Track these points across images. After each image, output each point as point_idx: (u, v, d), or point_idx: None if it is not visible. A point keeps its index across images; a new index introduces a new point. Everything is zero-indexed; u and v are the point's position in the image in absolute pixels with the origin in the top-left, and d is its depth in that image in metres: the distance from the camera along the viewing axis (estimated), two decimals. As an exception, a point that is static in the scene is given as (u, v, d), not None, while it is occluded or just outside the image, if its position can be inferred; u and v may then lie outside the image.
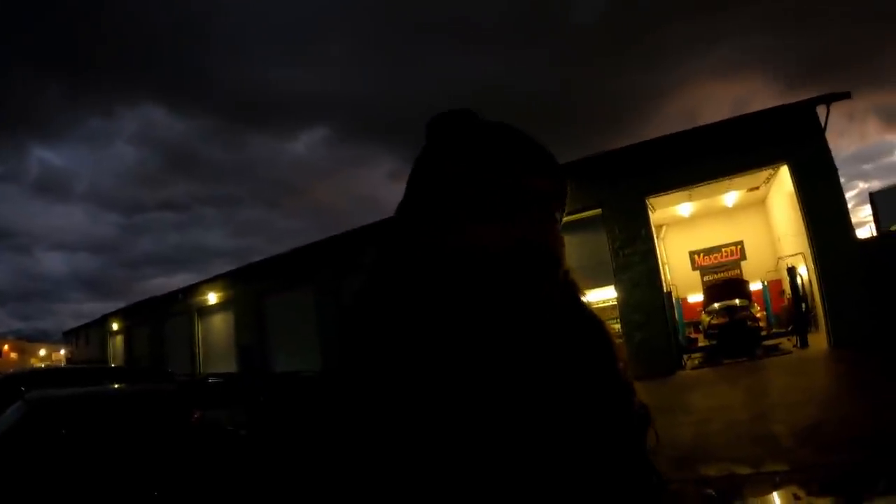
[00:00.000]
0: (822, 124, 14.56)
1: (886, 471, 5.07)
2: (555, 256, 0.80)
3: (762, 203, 21.43)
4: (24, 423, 4.59)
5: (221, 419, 5.84)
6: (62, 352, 66.94)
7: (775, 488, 5.73)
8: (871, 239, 17.10)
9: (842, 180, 15.18)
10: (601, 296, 21.70)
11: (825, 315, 14.67)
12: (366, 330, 0.81)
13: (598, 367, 0.82)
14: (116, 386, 7.08)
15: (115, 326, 40.34)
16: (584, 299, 0.90)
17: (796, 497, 5.47)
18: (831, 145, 14.73)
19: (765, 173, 17.43)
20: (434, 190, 0.81)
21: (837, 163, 14.77)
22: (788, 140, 14.82)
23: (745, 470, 6.23)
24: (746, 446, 7.08)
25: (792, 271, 16.42)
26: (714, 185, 17.72)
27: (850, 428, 7.07)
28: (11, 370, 15.61)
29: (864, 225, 29.90)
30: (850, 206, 15.83)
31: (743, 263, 22.57)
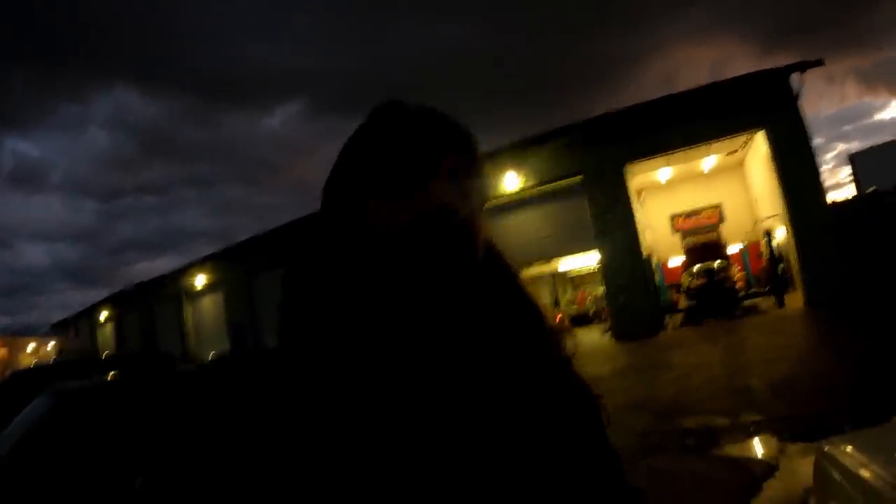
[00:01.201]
0: (796, 91, 14.88)
1: (851, 416, 5.46)
2: (464, 228, 0.78)
3: (740, 166, 21.71)
4: (51, 414, 4.54)
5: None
6: (51, 345, 65.58)
7: (750, 436, 6.15)
8: (843, 202, 17.51)
9: (822, 142, 15.56)
10: (586, 261, 22.09)
11: (801, 276, 15.20)
12: (293, 309, 0.86)
13: (518, 340, 0.84)
14: (137, 374, 6.93)
15: (103, 315, 39.86)
16: (510, 271, 0.92)
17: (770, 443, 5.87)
18: (810, 108, 15.07)
19: (742, 138, 17.73)
20: (344, 170, 0.85)
21: (818, 125, 15.13)
22: (763, 106, 15.14)
23: (722, 421, 6.62)
24: (724, 399, 7.50)
25: (768, 234, 16.83)
26: (692, 151, 17.97)
27: (820, 380, 7.51)
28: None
29: (844, 186, 30.41)
30: (830, 167, 16.20)
31: (722, 226, 22.89)
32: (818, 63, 14.80)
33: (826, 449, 2.66)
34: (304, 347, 0.81)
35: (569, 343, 0.92)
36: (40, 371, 10.60)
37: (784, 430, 6.01)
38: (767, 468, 5.32)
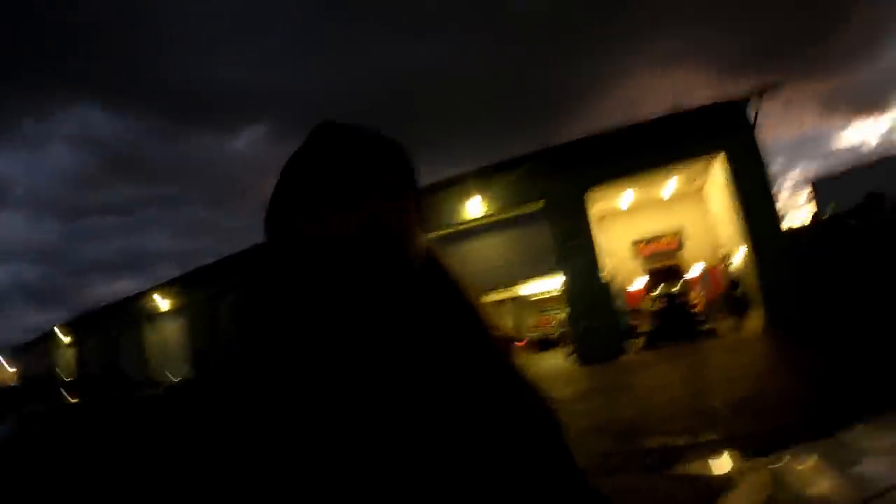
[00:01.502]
0: (753, 118, 15.29)
1: (806, 432, 5.55)
2: (401, 238, 0.81)
3: (699, 193, 22.06)
4: (17, 435, 4.50)
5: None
6: (13, 369, 63.99)
7: (710, 454, 6.20)
8: (800, 228, 17.96)
9: (781, 166, 15.92)
10: (548, 286, 22.22)
11: (759, 299, 15.47)
12: (249, 320, 0.88)
13: (452, 347, 0.85)
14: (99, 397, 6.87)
15: (66, 339, 38.87)
16: (452, 283, 0.94)
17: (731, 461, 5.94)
18: (770, 133, 15.48)
19: (700, 165, 18.08)
20: (281, 191, 0.87)
21: (777, 149, 15.52)
22: (720, 134, 15.58)
23: (682, 440, 6.69)
24: (684, 419, 7.58)
25: (726, 258, 17.14)
26: (652, 178, 18.36)
27: (777, 399, 7.65)
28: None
29: (803, 209, 31.16)
30: (789, 191, 16.56)
31: (683, 251, 23.19)
32: (775, 87, 15.21)
33: (782, 462, 2.70)
34: (248, 355, 0.85)
35: (515, 355, 0.93)
36: (3, 393, 10.58)
37: (743, 447, 6.07)
38: (727, 483, 5.36)
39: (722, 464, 5.94)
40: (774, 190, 15.47)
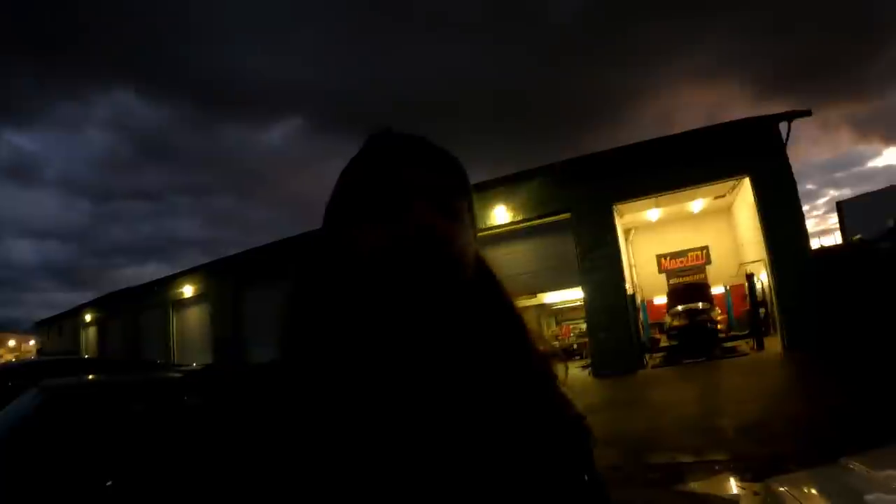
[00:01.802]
0: (785, 138, 15.15)
1: (815, 456, 5.56)
2: (443, 248, 0.80)
3: (728, 210, 21.94)
4: (40, 411, 4.55)
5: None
6: (32, 342, 65.17)
7: (714, 474, 6.24)
8: (828, 249, 17.78)
9: (814, 188, 15.75)
10: (569, 296, 22.17)
11: (780, 320, 15.36)
12: (288, 323, 0.89)
13: (497, 357, 0.85)
14: (123, 375, 6.87)
15: (88, 318, 39.32)
16: (501, 294, 0.95)
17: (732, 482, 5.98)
18: (804, 154, 15.34)
19: (730, 183, 17.97)
20: (337, 194, 0.89)
21: (810, 171, 15.38)
22: (751, 153, 15.38)
23: (687, 458, 6.75)
24: (693, 437, 7.62)
25: (751, 277, 17.01)
26: (680, 194, 18.25)
27: (788, 423, 7.64)
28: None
29: (833, 232, 30.85)
30: (820, 213, 16.39)
31: (708, 268, 23.05)
32: (807, 113, 15.06)
33: (772, 487, 2.76)
34: (292, 359, 0.84)
35: (558, 368, 0.93)
36: (26, 367, 10.83)
37: (747, 469, 6.12)
38: (728, 504, 5.41)
39: (725, 485, 5.99)
40: (805, 209, 15.30)
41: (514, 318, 0.93)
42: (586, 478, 0.87)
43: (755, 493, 5.42)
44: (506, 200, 18.61)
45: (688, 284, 20.60)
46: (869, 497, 2.29)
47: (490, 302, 0.91)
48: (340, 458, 0.72)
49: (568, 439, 0.87)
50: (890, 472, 2.45)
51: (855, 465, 2.66)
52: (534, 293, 21.08)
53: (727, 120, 16.68)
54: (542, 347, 0.93)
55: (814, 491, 2.70)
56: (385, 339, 0.80)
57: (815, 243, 19.57)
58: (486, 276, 0.94)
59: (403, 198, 0.81)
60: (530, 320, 0.95)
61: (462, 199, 0.88)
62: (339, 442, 0.73)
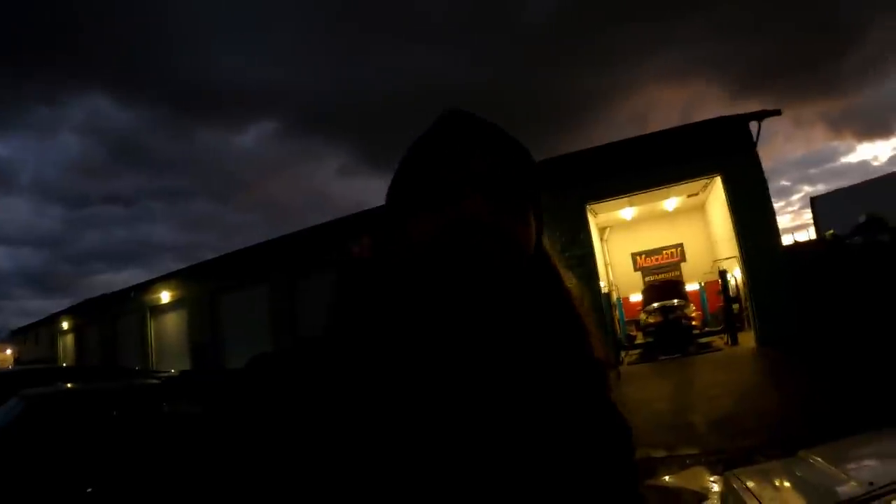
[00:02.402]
0: (755, 137, 15.34)
1: (782, 449, 5.68)
2: (495, 238, 0.77)
3: (702, 208, 22.09)
4: (22, 418, 4.59)
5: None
6: (9, 351, 64.30)
7: (685, 468, 6.37)
8: (801, 244, 18.04)
9: (788, 184, 15.90)
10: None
11: (753, 316, 15.57)
12: (336, 308, 0.87)
13: (548, 353, 0.83)
14: (103, 382, 6.89)
15: (65, 325, 38.89)
16: (559, 287, 0.93)
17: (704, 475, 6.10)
18: (777, 152, 15.42)
19: (702, 181, 18.19)
20: (395, 180, 0.88)
21: (784, 167, 15.45)
22: (722, 152, 15.55)
23: (660, 453, 6.89)
24: (665, 433, 7.74)
25: (724, 274, 17.20)
26: (654, 192, 18.39)
27: (759, 418, 7.81)
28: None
29: (807, 228, 31.20)
30: (795, 209, 16.55)
31: (683, 265, 23.19)
32: (776, 112, 15.26)
33: (731, 480, 2.86)
34: (330, 340, 0.84)
35: (611, 375, 0.92)
36: (2, 377, 10.83)
37: (718, 462, 6.24)
38: (698, 497, 5.52)
39: (696, 478, 6.12)
40: (780, 205, 15.51)
41: (572, 318, 0.91)
42: (638, 491, 0.88)
43: (721, 484, 5.58)
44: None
45: (663, 282, 20.81)
46: (821, 487, 2.40)
47: (547, 299, 0.89)
48: (361, 445, 0.71)
49: (615, 447, 0.86)
50: (846, 464, 2.56)
51: (813, 459, 2.76)
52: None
53: (701, 119, 16.82)
54: (598, 353, 0.91)
55: (775, 482, 2.81)
56: (422, 326, 0.79)
57: (789, 239, 19.91)
58: (547, 273, 0.92)
59: (453, 186, 0.79)
60: (590, 323, 0.93)
61: (522, 189, 0.85)
62: (362, 427, 0.72)
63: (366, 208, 20.25)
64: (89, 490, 3.94)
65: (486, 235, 0.77)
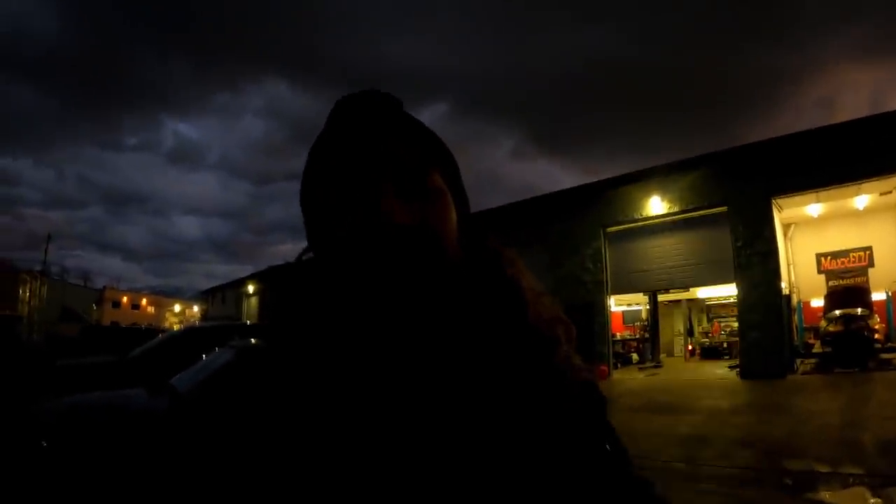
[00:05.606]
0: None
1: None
2: (414, 233, 0.75)
3: (895, 208, 20.73)
4: (233, 362, 5.97)
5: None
6: (196, 308, 71.33)
7: (846, 487, 6.47)
8: None
9: None
10: (722, 292, 21.77)
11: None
12: (286, 309, 0.86)
13: (485, 346, 0.77)
14: None
15: (251, 289, 42.87)
16: (496, 265, 0.86)
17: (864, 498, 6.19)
18: None
19: (900, 176, 16.94)
20: (304, 180, 0.85)
21: None
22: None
23: (824, 468, 6.98)
24: (831, 448, 7.77)
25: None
26: (843, 188, 17.36)
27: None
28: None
29: None
30: None
31: (871, 270, 21.74)
32: None
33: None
34: (274, 350, 0.87)
35: (568, 350, 0.85)
36: (207, 329, 13.17)
37: (882, 486, 6.29)
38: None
39: (855, 498, 6.22)
40: None
41: (511, 290, 0.84)
42: (608, 447, 0.83)
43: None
44: (660, 191, 18.76)
45: (847, 288, 19.57)
46: None
47: (483, 278, 0.83)
48: (317, 447, 0.70)
49: (574, 408, 0.80)
50: None
51: None
52: (686, 287, 20.98)
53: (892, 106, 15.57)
54: (542, 312, 0.85)
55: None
56: (356, 330, 0.75)
57: None
58: (478, 250, 0.86)
59: (356, 184, 0.77)
60: (530, 291, 0.86)
61: (432, 170, 0.81)
62: (314, 429, 0.72)
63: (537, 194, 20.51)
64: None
65: (396, 231, 0.75)
